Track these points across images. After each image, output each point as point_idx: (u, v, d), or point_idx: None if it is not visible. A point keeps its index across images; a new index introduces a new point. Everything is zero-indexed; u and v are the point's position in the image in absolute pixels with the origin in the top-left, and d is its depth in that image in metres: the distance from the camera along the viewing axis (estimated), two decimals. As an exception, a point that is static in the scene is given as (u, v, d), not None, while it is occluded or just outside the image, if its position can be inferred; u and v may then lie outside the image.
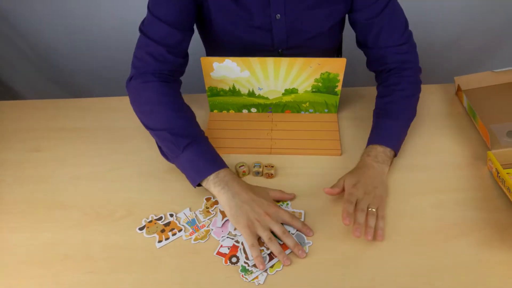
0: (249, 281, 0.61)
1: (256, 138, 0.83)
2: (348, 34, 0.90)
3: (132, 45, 0.83)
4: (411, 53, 0.82)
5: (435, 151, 0.80)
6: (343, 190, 0.69)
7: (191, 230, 0.68)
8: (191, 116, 0.75)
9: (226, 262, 0.63)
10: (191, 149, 0.68)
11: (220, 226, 0.68)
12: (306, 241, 0.64)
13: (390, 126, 0.77)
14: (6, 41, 1.35)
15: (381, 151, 0.73)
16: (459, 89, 0.89)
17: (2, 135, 0.87)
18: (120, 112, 0.90)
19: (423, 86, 0.89)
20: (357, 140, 0.81)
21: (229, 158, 0.79)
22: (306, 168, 0.77)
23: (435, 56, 1.40)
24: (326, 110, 0.87)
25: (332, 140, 0.82)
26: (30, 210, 0.72)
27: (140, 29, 0.75)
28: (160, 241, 0.66)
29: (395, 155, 0.76)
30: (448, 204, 0.70)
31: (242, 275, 0.61)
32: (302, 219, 0.68)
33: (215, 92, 0.84)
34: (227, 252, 0.64)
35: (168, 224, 0.69)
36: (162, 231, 0.68)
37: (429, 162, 0.78)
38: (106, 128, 0.87)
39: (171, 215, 0.70)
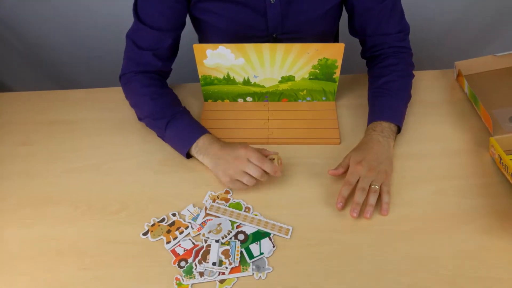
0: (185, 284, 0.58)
1: (253, 128, 0.81)
2: (345, 19, 0.88)
3: (122, 36, 0.81)
4: (407, 40, 0.83)
5: (436, 138, 0.78)
6: (347, 169, 0.69)
7: (198, 226, 0.66)
8: (171, 97, 0.79)
9: (174, 263, 0.61)
10: (171, 128, 0.74)
11: (200, 223, 0.66)
12: (266, 266, 0.61)
13: (392, 103, 0.77)
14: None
15: (386, 126, 0.74)
16: (460, 74, 0.87)
17: (-10, 129, 0.84)
18: (110, 103, 0.88)
19: (422, 72, 0.87)
20: (356, 128, 0.80)
21: (225, 148, 0.77)
22: (305, 158, 0.75)
23: (435, 40, 1.37)
24: (324, 98, 0.85)
25: (330, 128, 0.80)
26: (21, 206, 0.70)
27: (127, 36, 0.79)
28: (168, 242, 0.64)
29: (398, 131, 0.76)
30: (450, 192, 0.69)
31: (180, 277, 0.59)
32: (289, 236, 0.64)
33: (209, 81, 0.82)
34: (180, 254, 0.62)
35: (172, 224, 0.66)
36: (168, 231, 0.65)
37: (430, 149, 0.76)
38: (97, 120, 0.85)
39: (174, 215, 0.67)
